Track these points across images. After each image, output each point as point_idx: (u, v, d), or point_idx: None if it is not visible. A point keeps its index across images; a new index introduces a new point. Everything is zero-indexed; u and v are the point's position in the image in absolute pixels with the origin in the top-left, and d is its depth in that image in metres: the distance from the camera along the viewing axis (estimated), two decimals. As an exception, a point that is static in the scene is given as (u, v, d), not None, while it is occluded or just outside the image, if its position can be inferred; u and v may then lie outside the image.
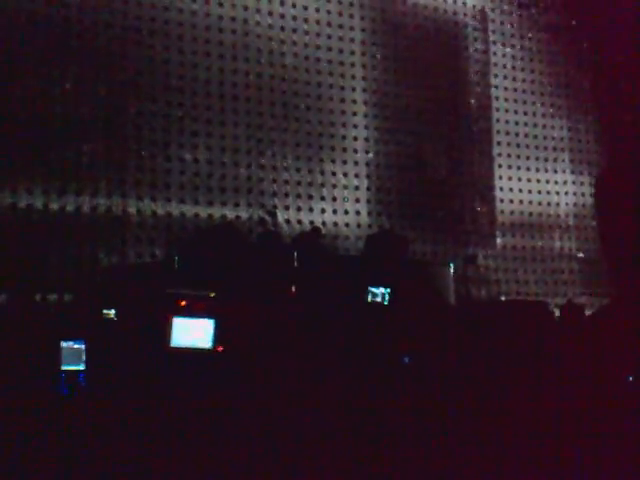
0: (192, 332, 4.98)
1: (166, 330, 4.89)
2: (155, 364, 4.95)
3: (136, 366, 4.98)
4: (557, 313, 7.61)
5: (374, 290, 6.29)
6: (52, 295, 6.88)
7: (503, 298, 8.85)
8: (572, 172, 9.69)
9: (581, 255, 9.42)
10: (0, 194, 6.93)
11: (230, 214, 7.81)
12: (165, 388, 4.83)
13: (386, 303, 6.27)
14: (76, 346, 5.13)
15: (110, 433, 4.59)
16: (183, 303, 5.09)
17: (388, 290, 6.29)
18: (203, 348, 4.93)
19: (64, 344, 5.09)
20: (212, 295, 5.29)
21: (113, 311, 5.83)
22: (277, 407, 4.91)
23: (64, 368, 5.03)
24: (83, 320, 5.80)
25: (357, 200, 8.46)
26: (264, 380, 5.02)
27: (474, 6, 9.44)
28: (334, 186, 8.37)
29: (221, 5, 8.16)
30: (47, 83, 7.25)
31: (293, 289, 6.47)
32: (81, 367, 5.09)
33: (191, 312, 5.04)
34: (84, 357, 5.10)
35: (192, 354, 4.91)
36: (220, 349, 4.99)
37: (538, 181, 9.50)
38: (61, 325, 5.45)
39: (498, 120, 9.40)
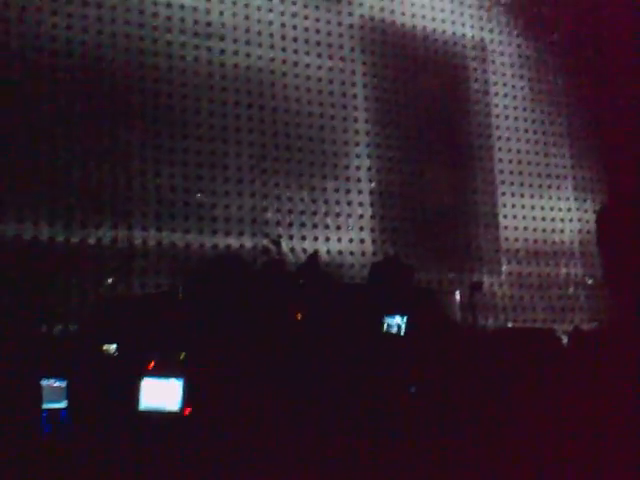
0: (160, 394, 4.80)
1: (135, 392, 4.76)
2: (124, 425, 4.81)
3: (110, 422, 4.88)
4: (564, 340, 7.56)
5: (389, 320, 6.20)
6: (58, 326, 6.86)
7: (510, 325, 8.80)
8: (576, 199, 9.71)
9: (590, 281, 9.39)
10: (5, 225, 6.95)
11: (234, 243, 7.82)
12: (134, 448, 4.63)
13: (402, 334, 6.18)
14: (57, 384, 5.05)
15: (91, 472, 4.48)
16: (152, 364, 5.01)
17: (404, 319, 6.19)
18: (171, 411, 4.74)
19: (44, 382, 5.01)
20: (182, 355, 5.15)
21: (114, 346, 5.77)
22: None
23: (46, 406, 4.93)
24: (70, 356, 5.71)
25: (361, 228, 8.47)
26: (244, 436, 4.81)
27: (473, 36, 9.57)
28: (338, 215, 8.39)
29: (222, 39, 8.28)
30: (48, 117, 7.33)
31: (299, 317, 6.44)
32: (62, 405, 4.99)
33: (159, 372, 4.89)
34: (65, 395, 5.02)
35: (160, 417, 4.73)
36: (188, 411, 4.80)
37: (542, 208, 9.52)
38: (43, 362, 5.34)
39: (500, 148, 9.46)
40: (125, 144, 7.62)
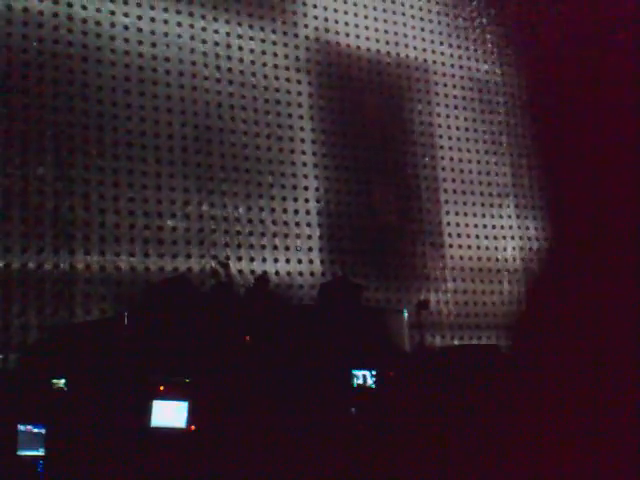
0: (169, 413, 5.56)
1: (147, 411, 5.45)
2: (135, 443, 5.34)
3: (113, 444, 5.27)
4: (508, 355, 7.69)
5: (357, 372, 6.35)
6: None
7: (456, 343, 8.91)
8: (517, 216, 9.93)
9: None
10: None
11: (182, 266, 7.72)
12: (143, 466, 5.21)
13: (373, 386, 6.33)
14: (35, 430, 5.09)
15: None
16: (162, 388, 5.61)
17: (373, 372, 6.37)
18: (178, 428, 5.50)
19: (21, 428, 5.01)
20: (187, 381, 5.76)
21: (63, 381, 5.66)
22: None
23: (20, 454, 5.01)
24: (42, 400, 5.63)
25: (310, 249, 8.48)
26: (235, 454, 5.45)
27: (416, 57, 9.73)
28: (286, 235, 8.37)
29: (168, 60, 8.21)
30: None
31: (248, 340, 6.39)
32: (40, 452, 5.08)
33: (168, 395, 5.60)
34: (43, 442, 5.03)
35: (168, 433, 5.46)
36: (192, 428, 5.55)
37: (485, 226, 9.70)
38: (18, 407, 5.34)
39: (444, 168, 9.61)
40: (67, 166, 7.45)
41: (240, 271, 7.95)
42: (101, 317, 7.21)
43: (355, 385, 6.36)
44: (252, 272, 7.98)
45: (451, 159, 9.70)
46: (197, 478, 5.32)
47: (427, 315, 8.67)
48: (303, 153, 8.74)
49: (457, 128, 9.84)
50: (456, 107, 9.86)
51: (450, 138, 9.75)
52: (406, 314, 7.60)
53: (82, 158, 7.56)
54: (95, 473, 5.10)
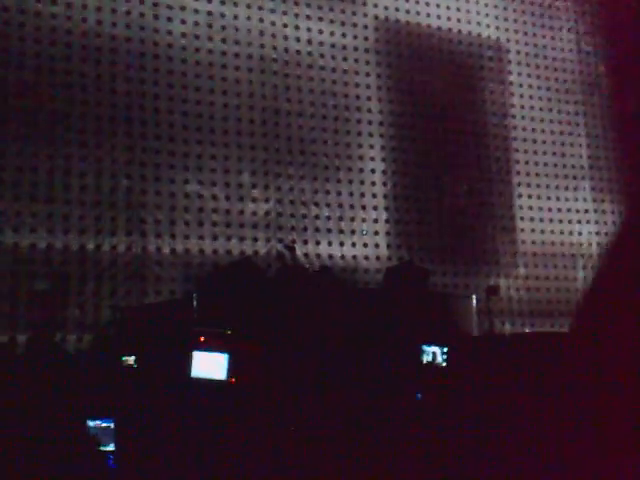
0: (209, 364, 5.46)
1: (187, 362, 5.36)
2: (176, 394, 5.27)
3: (159, 400, 5.21)
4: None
5: (427, 349, 6.18)
6: (72, 335, 6.88)
7: (527, 330, 8.71)
8: (593, 200, 9.59)
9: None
10: (19, 233, 6.98)
11: (248, 249, 7.80)
12: (185, 416, 5.12)
13: (444, 364, 6.14)
14: (104, 425, 5.11)
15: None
16: (202, 339, 5.51)
17: (444, 349, 6.17)
18: (218, 379, 5.40)
19: (91, 423, 5.08)
20: (228, 332, 5.68)
21: (133, 357, 5.79)
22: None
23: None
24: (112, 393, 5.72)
25: (376, 232, 8.42)
26: (273, 410, 5.30)
27: (489, 36, 9.46)
28: (352, 219, 8.34)
29: (237, 43, 8.24)
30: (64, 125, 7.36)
31: (311, 325, 6.41)
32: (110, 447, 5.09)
33: (209, 346, 5.49)
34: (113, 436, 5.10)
35: (208, 384, 5.37)
36: (232, 381, 5.44)
37: (559, 210, 9.40)
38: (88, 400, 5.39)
39: (517, 149, 9.35)
40: (139, 150, 7.61)
41: (306, 254, 7.98)
42: (171, 298, 7.38)
43: (425, 362, 6.20)
44: (318, 256, 8.00)
45: (524, 140, 9.42)
46: (236, 430, 5.22)
47: (497, 301, 8.50)
48: (370, 135, 8.66)
49: (532, 108, 9.54)
50: (530, 87, 9.55)
51: (524, 118, 9.46)
52: (474, 300, 7.47)
53: (153, 142, 7.70)
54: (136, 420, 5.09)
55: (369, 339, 6.18)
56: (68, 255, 7.16)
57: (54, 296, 7.00)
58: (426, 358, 6.16)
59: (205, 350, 5.44)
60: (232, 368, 5.41)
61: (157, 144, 7.70)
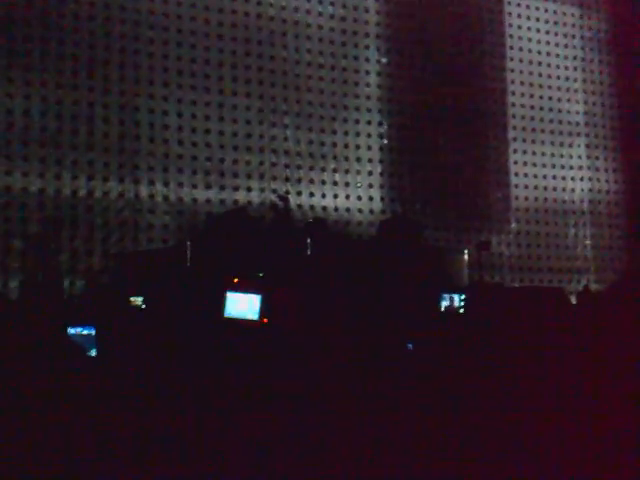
0: (242, 305, 5.63)
1: (221, 303, 5.52)
2: (209, 333, 5.41)
3: (189, 335, 5.34)
4: (573, 300, 7.55)
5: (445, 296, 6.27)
6: (65, 280, 6.89)
7: (517, 285, 8.79)
8: (588, 157, 9.58)
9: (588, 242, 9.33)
10: (10, 177, 6.91)
11: (242, 199, 7.77)
12: (218, 355, 5.26)
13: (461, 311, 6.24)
14: (85, 332, 5.22)
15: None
16: (236, 280, 5.67)
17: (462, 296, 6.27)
18: (251, 319, 5.58)
19: (72, 330, 5.16)
20: (260, 275, 5.94)
21: (140, 298, 5.88)
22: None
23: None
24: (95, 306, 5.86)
25: (370, 185, 8.39)
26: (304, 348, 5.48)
27: (490, -13, 9.29)
28: (347, 171, 8.30)
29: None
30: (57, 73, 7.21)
31: (306, 276, 6.44)
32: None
33: (242, 288, 5.65)
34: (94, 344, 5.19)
35: (241, 324, 5.56)
36: (265, 321, 5.59)
37: (553, 166, 9.39)
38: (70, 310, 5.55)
39: (514, 104, 9.28)
40: (132, 95, 7.49)
41: (299, 206, 7.96)
42: (164, 246, 7.36)
43: (443, 309, 6.32)
44: (312, 207, 7.98)
45: (521, 95, 9.34)
46: (267, 368, 5.41)
47: (487, 256, 8.55)
48: (367, 86, 8.55)
49: (530, 62, 9.43)
50: (529, 40, 9.43)
51: (522, 72, 9.36)
52: (466, 254, 7.49)
53: (147, 87, 7.58)
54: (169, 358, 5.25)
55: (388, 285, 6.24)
56: (60, 200, 7.10)
57: (47, 241, 6.97)
58: (444, 304, 6.30)
59: (239, 291, 5.59)
60: (264, 309, 5.57)
61: (151, 89, 7.58)
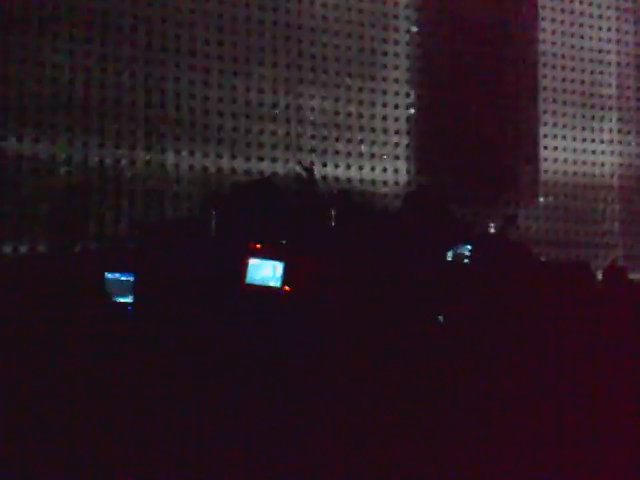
0: (264, 272, 5.57)
1: (243, 269, 5.46)
2: (230, 299, 5.41)
3: (209, 300, 5.36)
4: (599, 276, 7.47)
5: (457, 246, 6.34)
6: (93, 244, 6.98)
7: (543, 259, 8.70)
8: (619, 131, 9.40)
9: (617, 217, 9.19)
10: (39, 145, 6.97)
11: (267, 170, 7.76)
12: (238, 321, 5.28)
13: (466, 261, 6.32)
14: (124, 278, 5.33)
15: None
16: (258, 246, 5.62)
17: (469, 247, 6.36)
18: (273, 286, 5.51)
19: (110, 276, 5.28)
20: (283, 242, 5.83)
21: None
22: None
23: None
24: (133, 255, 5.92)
25: (396, 157, 8.32)
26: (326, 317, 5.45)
27: (523, -44, 9.08)
28: (373, 142, 8.24)
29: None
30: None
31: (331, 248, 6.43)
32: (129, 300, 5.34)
33: (264, 254, 5.58)
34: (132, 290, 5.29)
35: (263, 291, 5.50)
36: (287, 289, 5.52)
37: (584, 140, 9.24)
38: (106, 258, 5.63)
39: (545, 76, 9.12)
40: (159, 63, 7.49)
41: (324, 177, 7.93)
42: (189, 215, 7.40)
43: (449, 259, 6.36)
44: (336, 179, 7.95)
45: (553, 67, 9.16)
46: (287, 335, 5.40)
47: (514, 230, 8.46)
48: (396, 56, 8.44)
49: (562, 34, 9.24)
50: (563, 11, 9.22)
51: (554, 44, 9.18)
52: (492, 228, 7.44)
53: (174, 55, 7.57)
54: (188, 321, 5.30)
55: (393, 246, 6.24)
56: (87, 168, 7.16)
57: (74, 209, 7.04)
58: (452, 255, 6.38)
59: (261, 258, 5.52)
60: (287, 277, 5.50)
61: (177, 58, 7.57)
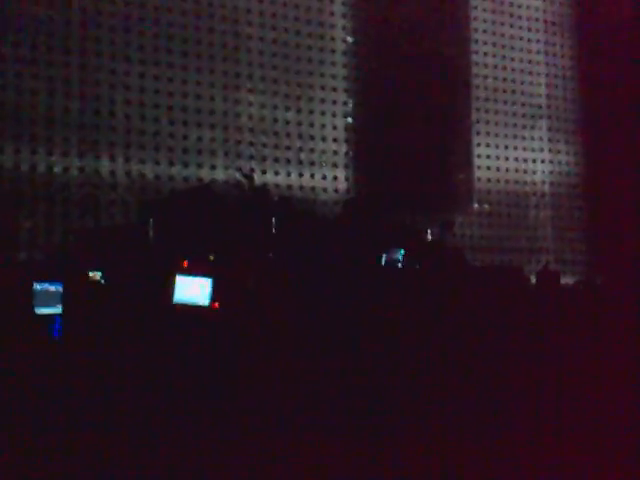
0: (192, 290, 5.39)
1: (170, 287, 5.30)
2: (156, 318, 5.25)
3: (131, 320, 5.18)
4: (532, 279, 7.66)
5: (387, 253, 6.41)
6: (23, 254, 6.74)
7: (478, 265, 8.87)
8: (549, 140, 9.69)
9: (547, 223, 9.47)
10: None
11: (206, 176, 7.68)
12: (165, 340, 5.11)
13: (400, 266, 6.39)
14: (53, 288, 5.14)
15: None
16: (185, 264, 5.44)
17: (402, 252, 6.43)
18: (201, 305, 5.34)
19: (38, 287, 5.09)
20: (211, 258, 5.68)
21: (99, 273, 5.77)
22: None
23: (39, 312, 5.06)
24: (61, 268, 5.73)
25: (335, 165, 8.37)
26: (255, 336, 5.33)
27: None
28: (312, 150, 8.26)
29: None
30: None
31: (270, 255, 6.41)
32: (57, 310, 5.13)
33: (192, 271, 5.43)
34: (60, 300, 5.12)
35: (191, 310, 5.33)
36: (216, 306, 5.36)
37: (515, 148, 9.49)
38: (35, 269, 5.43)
39: (477, 86, 9.33)
40: (93, 69, 7.33)
41: (264, 184, 7.90)
42: (126, 223, 7.24)
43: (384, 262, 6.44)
44: (276, 186, 7.93)
45: (485, 77, 9.39)
46: (219, 354, 5.27)
47: (451, 236, 8.61)
48: (333, 65, 8.50)
49: (493, 44, 9.48)
50: (493, 23, 9.47)
51: (486, 54, 9.41)
52: (429, 234, 7.54)
53: (109, 61, 7.42)
54: (117, 343, 5.14)
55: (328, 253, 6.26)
56: (19, 175, 6.93)
57: (5, 216, 6.80)
58: (384, 259, 6.47)
59: (189, 275, 5.36)
60: (215, 293, 5.37)
61: (113, 64, 7.43)
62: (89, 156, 7.24)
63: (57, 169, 7.10)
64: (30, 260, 6.81)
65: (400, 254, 6.43)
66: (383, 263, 6.37)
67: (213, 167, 7.75)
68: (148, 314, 5.28)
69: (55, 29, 7.22)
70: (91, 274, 5.79)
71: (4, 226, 6.80)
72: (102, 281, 5.81)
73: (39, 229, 6.98)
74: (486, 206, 9.16)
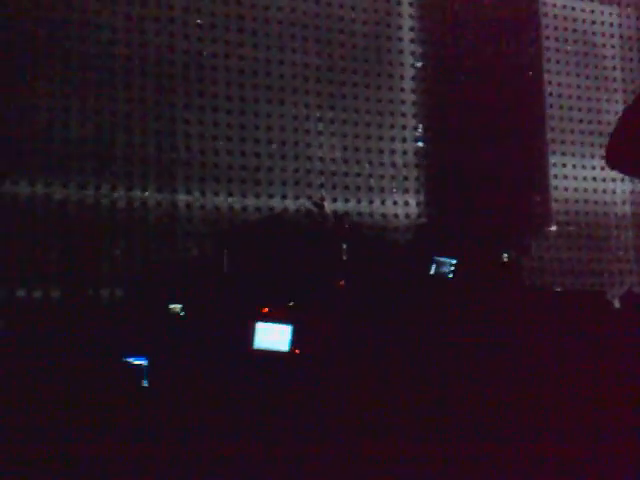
0: (272, 336, 5.54)
1: (250, 334, 5.46)
2: (236, 364, 5.40)
3: (213, 366, 5.34)
4: (616, 304, 7.40)
5: (439, 260, 6.38)
6: (105, 290, 6.98)
7: (558, 289, 8.64)
8: (629, 157, 9.37)
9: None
10: (50, 189, 7.03)
11: (278, 206, 7.80)
12: (246, 387, 5.25)
13: (450, 276, 6.36)
14: (137, 362, 5.31)
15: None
16: (265, 310, 5.60)
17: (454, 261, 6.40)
18: (281, 351, 5.49)
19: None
20: (290, 304, 5.81)
21: (180, 305, 5.92)
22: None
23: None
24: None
25: (406, 190, 8.35)
26: (338, 378, 5.44)
27: (525, -11, 9.19)
28: (382, 176, 8.27)
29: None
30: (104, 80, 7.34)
31: (342, 283, 6.42)
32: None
33: (272, 318, 5.58)
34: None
35: (271, 356, 5.48)
36: (297, 352, 5.52)
37: (593, 168, 9.23)
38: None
39: (551, 105, 9.16)
40: (168, 105, 7.58)
41: (335, 212, 7.95)
42: (201, 254, 7.42)
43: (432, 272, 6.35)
44: (346, 214, 7.97)
45: (559, 95, 9.21)
46: (300, 401, 5.35)
47: (527, 260, 8.43)
48: (402, 90, 8.51)
49: (567, 63, 9.30)
50: (566, 41, 9.30)
51: (559, 73, 9.23)
52: (506, 258, 7.40)
53: (183, 97, 7.66)
54: (196, 391, 5.25)
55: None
56: (99, 211, 7.21)
57: (86, 252, 7.07)
58: (434, 269, 6.41)
59: (269, 322, 5.50)
60: (295, 340, 5.49)
61: (186, 99, 7.66)
62: (166, 190, 7.46)
63: (136, 204, 7.35)
64: (111, 294, 7.04)
65: (450, 265, 6.36)
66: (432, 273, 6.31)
67: (284, 197, 7.87)
68: (229, 357, 5.43)
69: (132, 67, 7.50)
70: (172, 306, 5.94)
71: (85, 263, 7.07)
72: (182, 313, 5.96)
73: (119, 263, 7.21)
74: (567, 228, 8.94)
